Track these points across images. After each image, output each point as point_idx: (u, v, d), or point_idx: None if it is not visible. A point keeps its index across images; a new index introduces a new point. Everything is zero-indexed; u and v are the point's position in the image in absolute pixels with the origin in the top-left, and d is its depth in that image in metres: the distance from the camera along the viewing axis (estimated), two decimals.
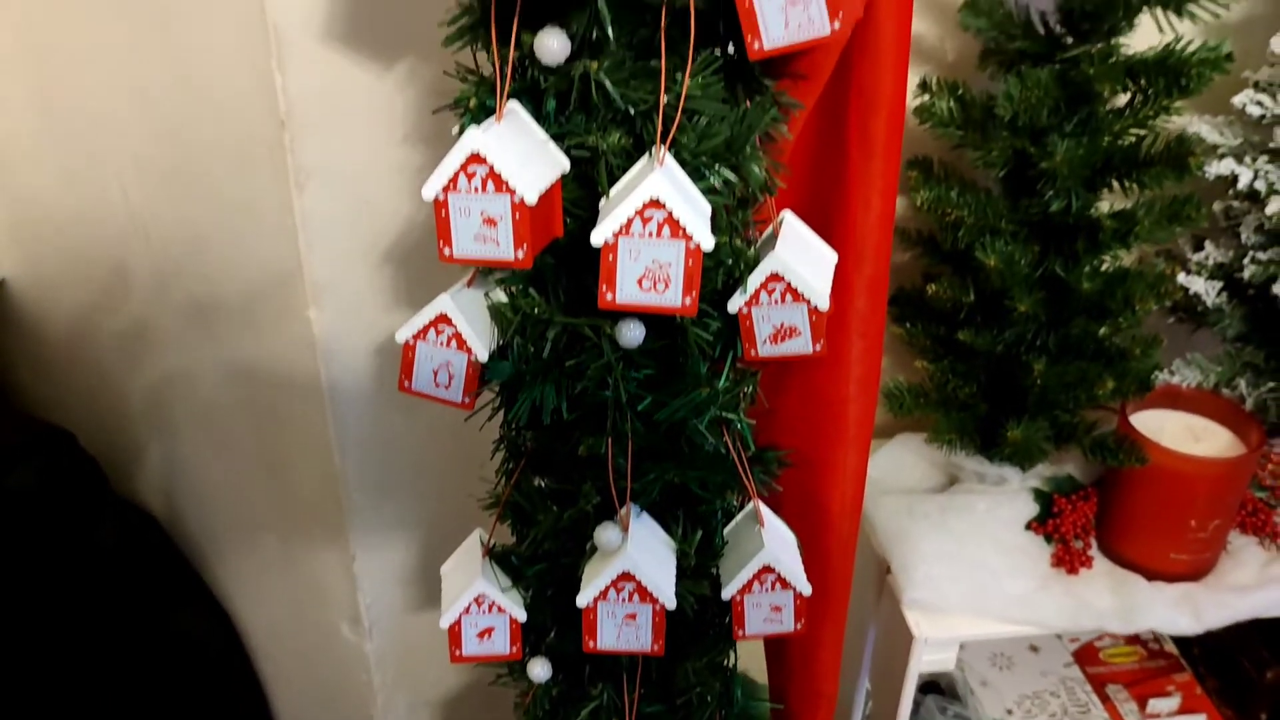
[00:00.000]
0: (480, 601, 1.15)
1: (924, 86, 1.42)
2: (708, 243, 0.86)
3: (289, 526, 1.62)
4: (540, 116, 0.93)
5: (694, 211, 0.88)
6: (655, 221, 0.86)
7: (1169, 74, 1.30)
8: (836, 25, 0.82)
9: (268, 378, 1.45)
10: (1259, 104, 1.42)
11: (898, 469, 1.64)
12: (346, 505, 1.53)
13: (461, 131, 0.93)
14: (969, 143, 1.39)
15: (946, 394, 1.53)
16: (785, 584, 1.12)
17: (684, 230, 0.86)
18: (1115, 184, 1.39)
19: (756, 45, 0.85)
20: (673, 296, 0.88)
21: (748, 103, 0.96)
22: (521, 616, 1.14)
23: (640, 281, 0.88)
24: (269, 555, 1.69)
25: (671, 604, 1.05)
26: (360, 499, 1.54)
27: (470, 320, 1.03)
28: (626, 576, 1.04)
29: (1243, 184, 1.44)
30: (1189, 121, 1.48)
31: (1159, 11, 1.31)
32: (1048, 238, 1.42)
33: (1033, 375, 1.43)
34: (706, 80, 0.89)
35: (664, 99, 0.88)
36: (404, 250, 1.38)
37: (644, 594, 1.05)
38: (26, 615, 1.62)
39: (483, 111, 0.94)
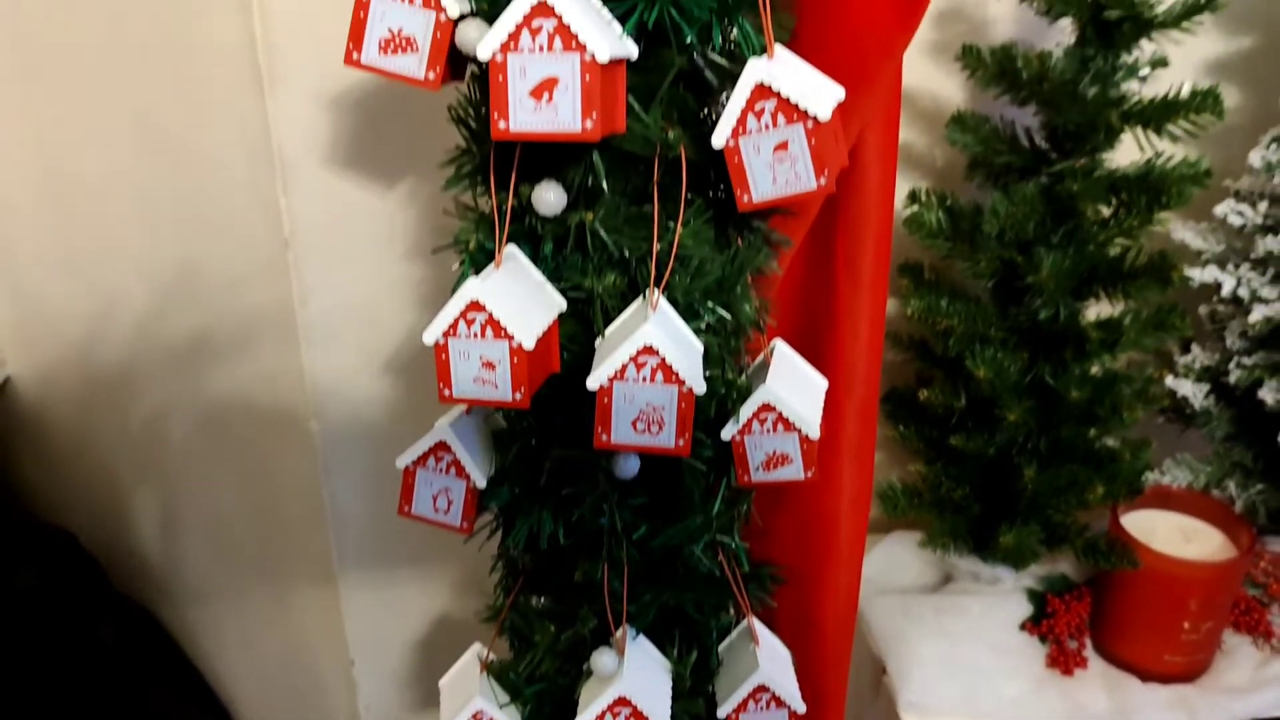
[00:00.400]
0: (478, 718, 1.16)
1: (913, 197, 1.46)
2: (700, 388, 0.89)
3: (288, 628, 1.63)
4: (537, 258, 0.96)
5: (687, 356, 0.90)
6: (649, 367, 0.88)
7: (1150, 190, 1.34)
8: (823, 181, 0.85)
9: (269, 486, 1.47)
10: (1239, 214, 1.46)
11: (893, 566, 1.65)
12: (346, 610, 1.54)
13: (462, 275, 0.96)
14: (958, 254, 1.43)
15: (940, 495, 1.55)
16: (780, 703, 1.13)
17: (677, 375, 0.88)
18: (1101, 293, 1.42)
19: (745, 198, 0.88)
20: (666, 438, 0.91)
21: (739, 241, 0.99)
22: None
23: (634, 424, 0.90)
24: (268, 655, 1.70)
25: None
26: (358, 603, 1.56)
27: (469, 447, 1.05)
28: (622, 701, 1.05)
29: (1226, 291, 1.47)
30: (1173, 228, 1.51)
31: (1139, 130, 1.34)
32: (1036, 345, 1.44)
33: (1024, 479, 1.45)
34: (698, 227, 0.91)
35: (657, 246, 0.91)
36: (404, 359, 1.40)
37: (640, 719, 1.06)
38: (28, 713, 1.62)
39: (481, 253, 0.96)
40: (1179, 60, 1.36)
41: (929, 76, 1.51)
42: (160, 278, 1.44)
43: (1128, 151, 1.38)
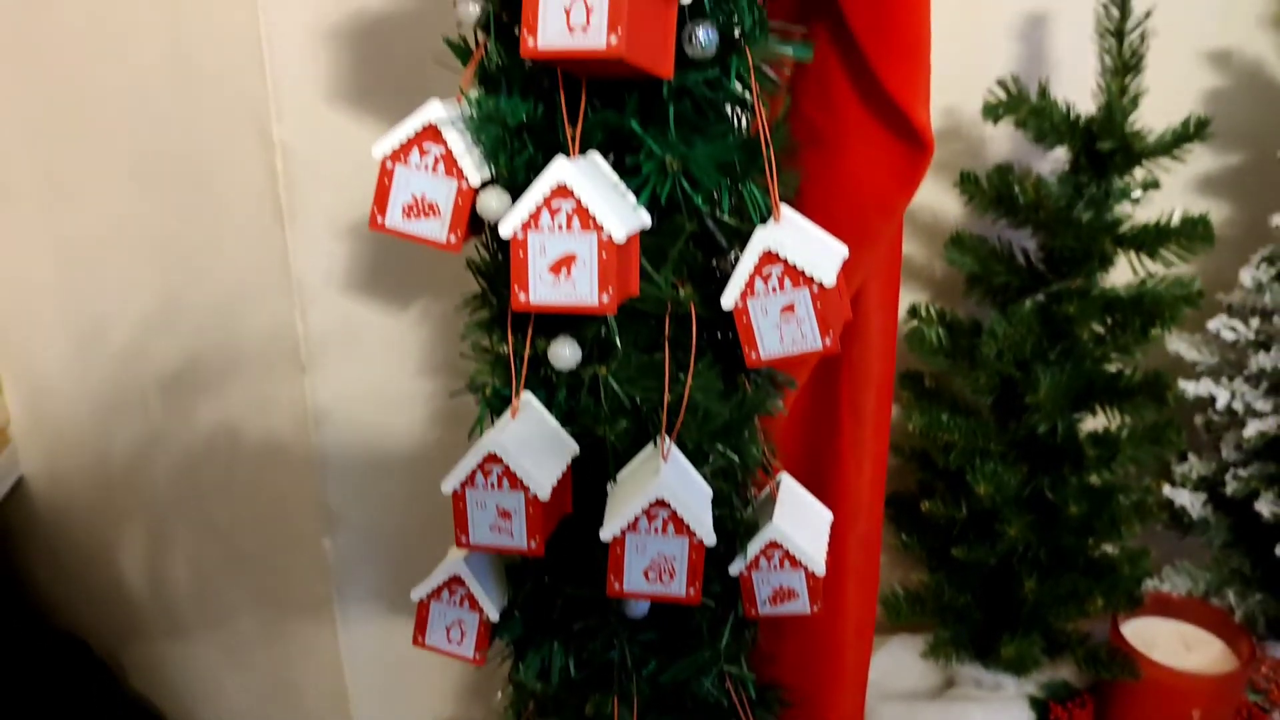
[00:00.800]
0: None
1: (914, 312, 1.49)
2: (710, 540, 0.91)
3: None
4: (551, 403, 0.99)
5: (698, 505, 0.93)
6: (661, 519, 0.91)
7: (1144, 312, 1.37)
8: (828, 341, 0.88)
9: (280, 599, 1.49)
10: (1232, 329, 1.49)
11: (897, 670, 1.66)
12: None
13: (478, 420, 0.99)
14: (958, 370, 1.46)
15: (942, 603, 1.57)
16: None
17: (688, 528, 0.91)
18: (1098, 408, 1.45)
19: (754, 355, 0.91)
20: (677, 587, 0.93)
21: (747, 386, 1.02)
22: None
23: (646, 573, 0.93)
24: None
25: None
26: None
27: (482, 581, 1.07)
28: None
29: (1221, 404, 1.50)
30: (1168, 340, 1.55)
31: (1133, 254, 1.38)
32: (1035, 458, 1.47)
33: (1025, 590, 1.47)
34: (707, 379, 0.95)
35: (668, 397, 0.94)
36: (415, 477, 1.43)
37: None
38: None
39: (498, 398, 0.99)
40: (1170, 176, 1.40)
41: (928, 193, 1.54)
42: (176, 389, 1.47)
43: (1122, 270, 1.42)
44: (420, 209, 0.90)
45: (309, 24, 1.17)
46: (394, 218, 0.91)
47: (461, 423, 1.05)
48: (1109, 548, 1.51)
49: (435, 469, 1.12)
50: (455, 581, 1.07)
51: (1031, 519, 1.44)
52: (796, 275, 0.88)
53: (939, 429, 1.46)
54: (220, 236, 1.29)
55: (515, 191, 0.90)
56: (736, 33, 0.87)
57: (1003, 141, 1.55)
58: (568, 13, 0.76)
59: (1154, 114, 1.37)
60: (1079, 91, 1.41)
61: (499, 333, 0.99)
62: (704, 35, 0.83)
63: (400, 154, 0.90)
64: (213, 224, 1.28)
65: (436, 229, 0.90)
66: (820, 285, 0.88)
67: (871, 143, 0.99)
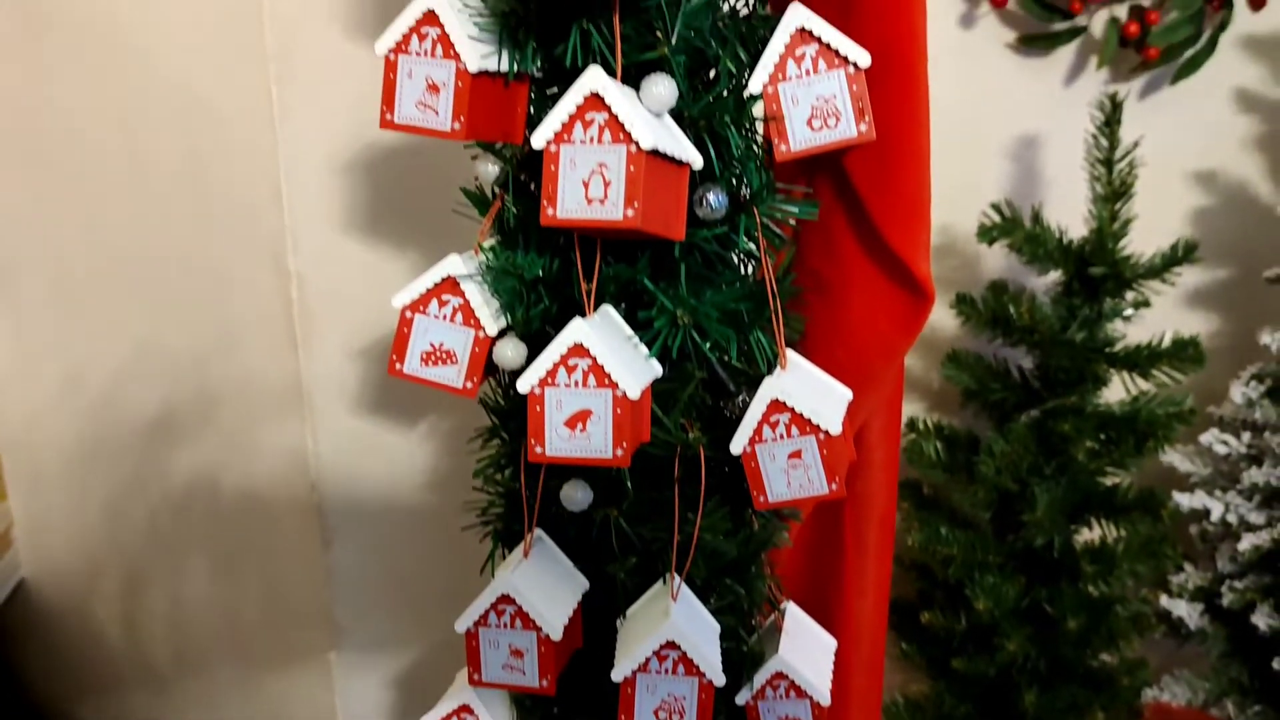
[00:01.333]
0: None
1: (911, 426, 1.52)
2: (719, 680, 0.93)
3: None
4: (562, 541, 1.01)
5: (708, 643, 0.95)
6: (671, 660, 0.93)
7: (1138, 430, 1.40)
8: (834, 486, 0.91)
9: (281, 708, 1.50)
10: (1224, 443, 1.52)
11: None
12: None
13: (490, 554, 1.01)
14: (955, 485, 1.48)
15: (943, 713, 1.57)
16: None
17: (698, 668, 0.93)
18: (1094, 521, 1.47)
19: (761, 499, 0.94)
20: None
21: (754, 521, 1.04)
22: None
23: (656, 713, 0.95)
24: None
25: None
26: None
27: (490, 709, 1.08)
28: None
29: (1215, 517, 1.52)
30: (1161, 451, 1.57)
31: (1126, 375, 1.41)
32: (1033, 570, 1.49)
33: (1025, 702, 1.48)
34: (715, 520, 0.97)
35: (677, 538, 0.96)
36: (424, 592, 1.44)
37: None
38: None
39: (509, 533, 1.02)
40: (1163, 292, 1.44)
41: None
42: (186, 506, 1.48)
43: (1115, 384, 1.45)
44: (438, 357, 0.93)
45: (327, 158, 1.21)
46: (413, 364, 0.94)
47: (467, 540, 1.07)
48: (1108, 658, 1.52)
49: (442, 584, 1.14)
50: (464, 710, 1.08)
51: (1030, 631, 1.45)
52: (804, 423, 0.91)
53: (938, 543, 1.48)
54: (234, 360, 1.32)
55: (531, 341, 0.93)
56: (745, 193, 0.90)
57: (996, 256, 1.59)
58: (586, 185, 0.80)
59: (1142, 232, 1.41)
60: (1070, 210, 1.45)
61: (511, 470, 1.01)
62: (714, 199, 0.87)
63: (420, 304, 0.93)
64: (227, 348, 1.31)
65: (453, 376, 0.93)
66: (827, 433, 0.90)
67: (874, 292, 1.02)
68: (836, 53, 0.87)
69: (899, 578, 1.63)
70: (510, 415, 1.02)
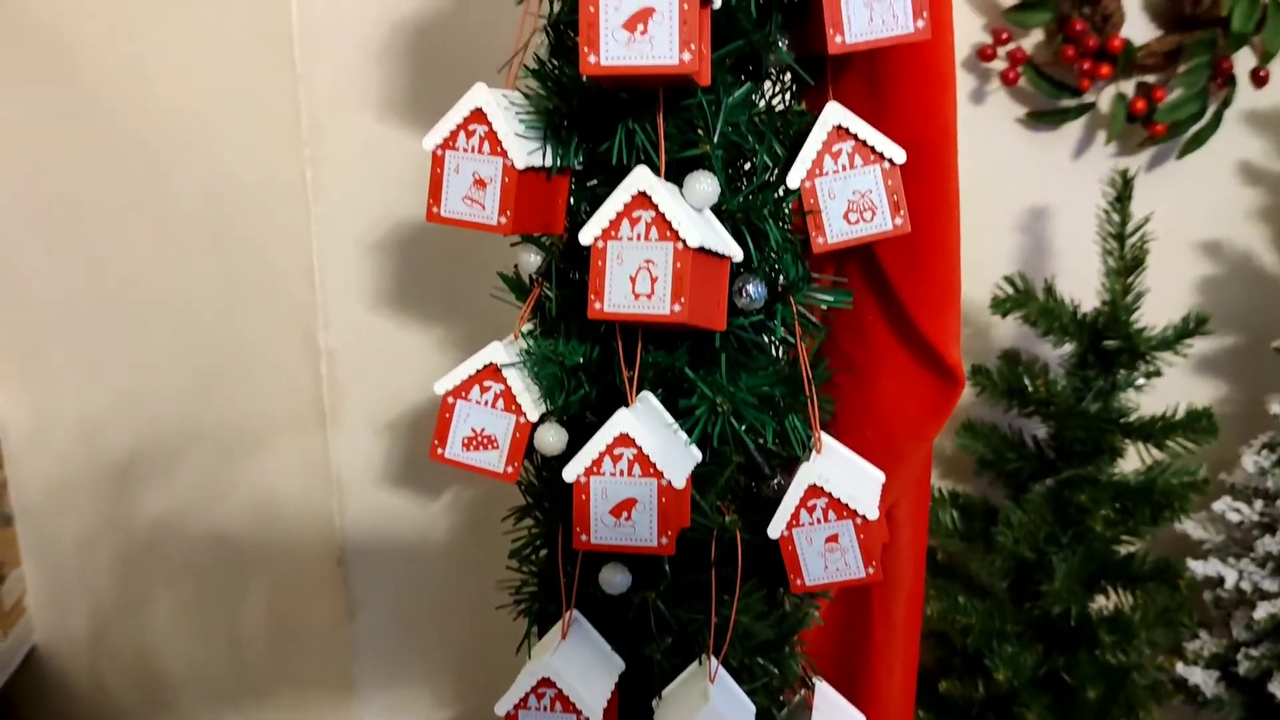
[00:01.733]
0: None
1: None
2: None
3: None
4: (598, 622, 1.02)
5: None
6: None
7: (1154, 502, 1.42)
8: (871, 570, 0.92)
9: None
10: (1237, 511, 1.53)
11: None
12: None
13: (526, 635, 1.02)
14: (973, 554, 1.49)
15: None
16: None
17: None
18: (1110, 590, 1.48)
19: (799, 582, 0.96)
20: None
21: (786, 602, 1.05)
22: None
23: None
24: None
25: None
26: None
27: None
28: None
29: (1229, 585, 1.53)
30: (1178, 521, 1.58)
31: (1141, 446, 1.43)
32: (1051, 638, 1.50)
33: None
34: (752, 603, 0.98)
35: (714, 620, 0.97)
36: (448, 665, 1.44)
37: None
38: None
39: (544, 615, 1.02)
40: (1173, 360, 1.46)
41: None
42: (211, 577, 1.49)
43: (1129, 455, 1.47)
44: (480, 442, 0.94)
45: (359, 236, 1.23)
46: (454, 449, 0.95)
47: (497, 620, 1.07)
48: None
49: (466, 657, 1.14)
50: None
51: (1049, 700, 1.46)
52: (841, 508, 0.92)
53: (957, 612, 1.49)
54: (262, 433, 1.33)
55: (570, 425, 0.94)
56: (782, 283, 0.92)
57: (1007, 324, 1.61)
58: (633, 281, 0.82)
59: (1151, 301, 1.43)
60: (1080, 280, 1.48)
61: (547, 551, 1.02)
62: (754, 290, 0.89)
63: (462, 390, 0.94)
64: (256, 422, 1.32)
65: (495, 461, 0.94)
66: (864, 518, 0.92)
67: (905, 376, 1.04)
68: (872, 149, 0.89)
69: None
70: (544, 495, 1.03)
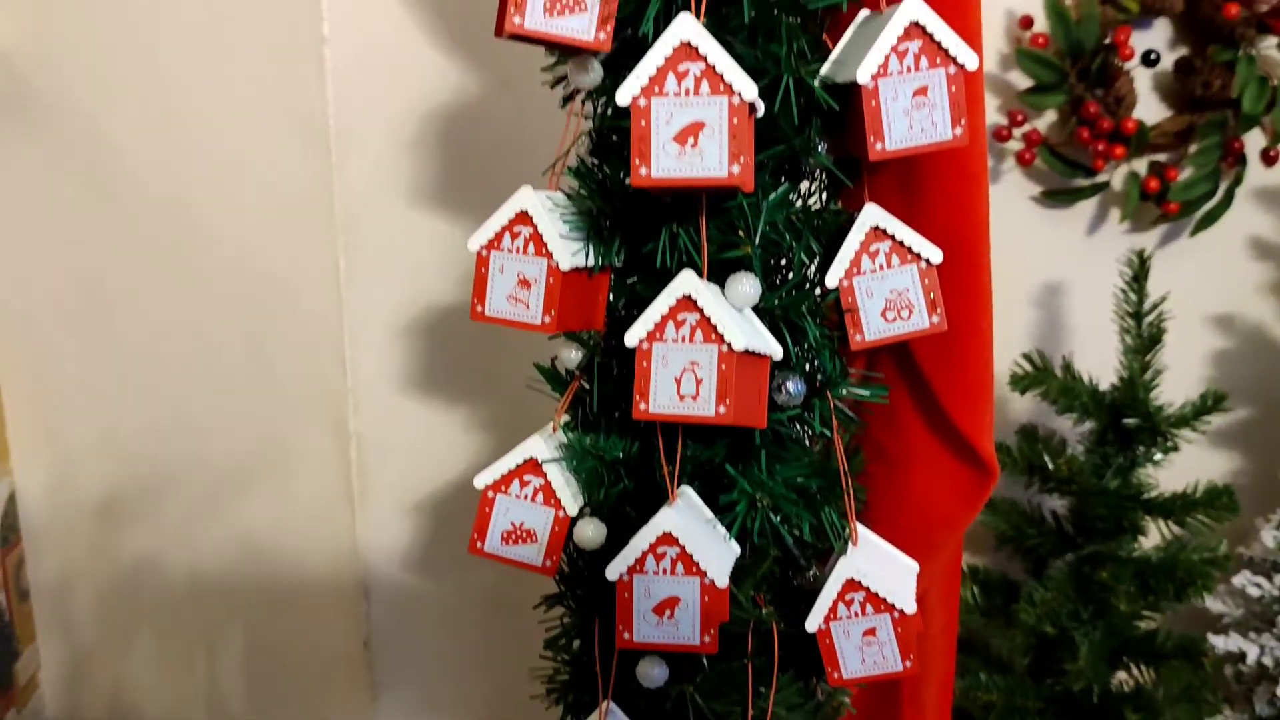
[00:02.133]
0: None
1: None
2: None
3: None
4: (635, 714, 1.02)
5: None
6: None
7: (1176, 580, 1.42)
8: (908, 664, 0.93)
9: None
10: (1257, 585, 1.54)
11: None
12: None
13: None
14: (994, 629, 1.49)
15: None
16: None
17: None
18: (1133, 666, 1.48)
19: (835, 675, 0.96)
20: None
21: (819, 692, 1.06)
22: None
23: None
24: None
25: None
26: None
27: None
28: None
29: (1251, 660, 1.53)
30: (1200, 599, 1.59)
31: (1161, 523, 1.44)
32: (1074, 715, 1.50)
33: None
34: (789, 695, 0.98)
35: (751, 713, 0.97)
36: None
37: None
38: None
39: (578, 706, 1.02)
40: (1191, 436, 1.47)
41: None
42: (229, 659, 1.48)
43: (1150, 532, 1.47)
44: (519, 536, 0.95)
45: (390, 323, 1.24)
46: (493, 543, 0.96)
47: (527, 709, 1.07)
48: None
49: None
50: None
51: None
52: (879, 602, 0.93)
53: (979, 689, 1.48)
54: (291, 518, 1.34)
55: (609, 520, 0.95)
56: (819, 379, 0.94)
57: (1025, 400, 1.63)
58: (678, 382, 0.83)
59: (1167, 375, 1.44)
60: (1096, 355, 1.50)
61: (582, 643, 1.02)
62: (793, 387, 0.90)
63: (501, 484, 0.95)
64: (285, 508, 1.33)
65: (534, 555, 0.95)
66: (902, 612, 0.92)
67: (938, 467, 1.05)
68: (909, 249, 0.91)
69: None
70: (577, 583, 1.04)
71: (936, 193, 0.97)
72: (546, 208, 0.89)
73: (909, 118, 0.84)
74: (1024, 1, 1.50)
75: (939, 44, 0.83)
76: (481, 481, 0.95)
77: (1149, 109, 1.55)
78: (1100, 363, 1.49)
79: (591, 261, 0.91)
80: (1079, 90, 1.50)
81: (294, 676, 1.41)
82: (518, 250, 0.89)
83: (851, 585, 0.94)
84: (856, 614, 0.94)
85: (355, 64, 1.26)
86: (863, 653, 0.95)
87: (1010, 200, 1.59)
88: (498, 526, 0.96)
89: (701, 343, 0.83)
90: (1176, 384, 1.45)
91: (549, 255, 0.88)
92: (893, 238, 0.91)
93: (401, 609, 1.35)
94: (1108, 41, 1.49)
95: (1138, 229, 1.59)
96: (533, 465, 0.94)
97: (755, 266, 0.89)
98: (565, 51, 0.89)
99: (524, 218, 0.89)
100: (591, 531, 0.94)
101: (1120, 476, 1.44)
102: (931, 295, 0.92)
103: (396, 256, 1.26)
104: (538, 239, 0.88)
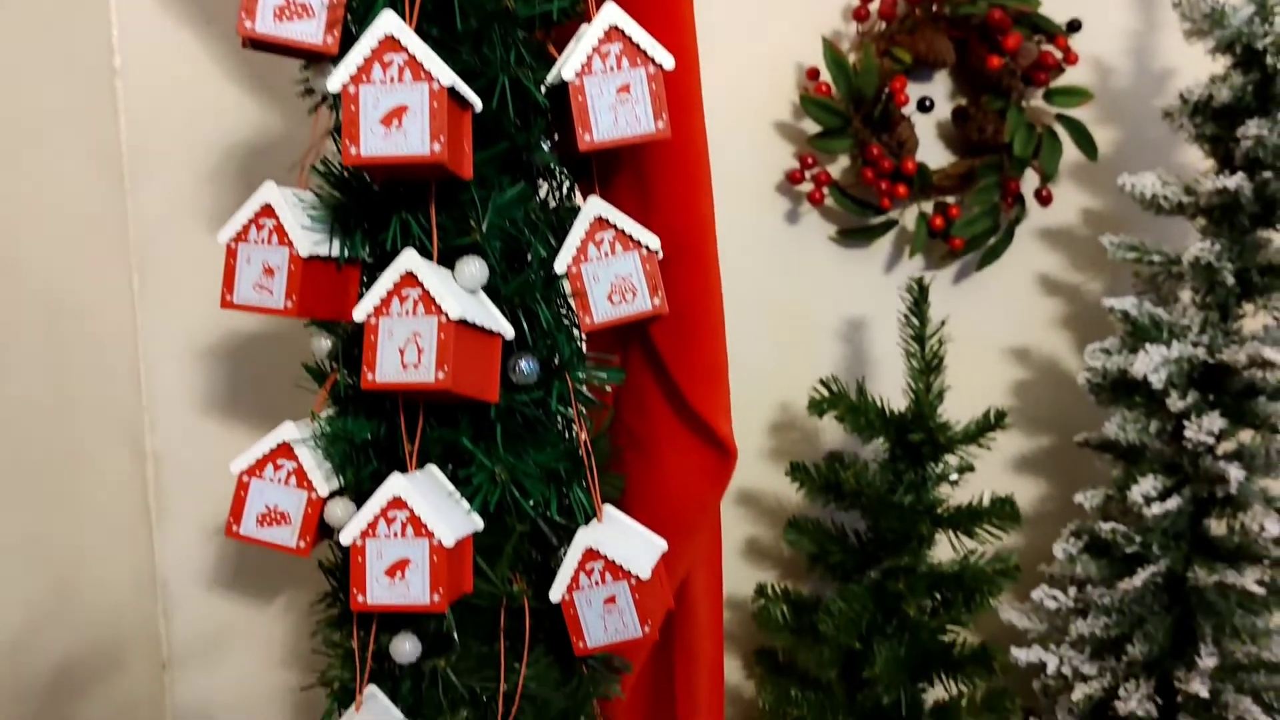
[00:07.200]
0: None
1: (760, 592, 1.59)
2: None
3: None
4: (396, 696, 1.05)
5: None
6: None
7: (966, 588, 1.49)
8: (647, 629, 0.97)
9: None
10: (1053, 598, 1.61)
11: None
12: None
13: (327, 714, 1.04)
14: (802, 646, 1.54)
15: None
16: None
17: None
18: (936, 679, 1.54)
19: (581, 645, 1.00)
20: None
21: (584, 670, 1.10)
22: None
23: None
24: None
25: None
26: None
27: None
28: None
29: (1051, 670, 1.60)
30: (1000, 609, 1.66)
31: (951, 534, 1.52)
32: None
33: None
34: (541, 670, 1.02)
35: (504, 687, 1.01)
36: None
37: None
38: None
39: (345, 693, 1.05)
40: (989, 458, 1.56)
41: (771, 480, 1.68)
42: (26, 686, 1.46)
43: (951, 550, 1.54)
44: (273, 518, 0.99)
45: (186, 342, 1.29)
46: (249, 526, 1.00)
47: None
48: None
49: None
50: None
51: None
52: (616, 570, 0.98)
53: (788, 704, 1.52)
54: (87, 539, 1.35)
55: (361, 501, 0.99)
56: (556, 361, 1.00)
57: (835, 431, 1.71)
58: (402, 353, 0.89)
59: (968, 405, 1.53)
60: (896, 385, 1.58)
61: (347, 629, 1.06)
62: (526, 366, 0.96)
63: (256, 469, 0.99)
64: (81, 528, 1.34)
65: (287, 536, 0.99)
66: (638, 578, 0.98)
67: (684, 450, 1.12)
68: (630, 237, 0.99)
69: None
70: (346, 576, 1.07)
71: (663, 193, 1.05)
72: (290, 202, 0.96)
73: (614, 112, 0.93)
74: (813, 55, 1.62)
75: (638, 46, 0.93)
76: (237, 466, 0.99)
77: (935, 154, 1.67)
78: (899, 390, 1.58)
79: (336, 252, 0.97)
80: (863, 134, 1.62)
81: (86, 688, 1.40)
82: (263, 241, 0.96)
83: (590, 554, 0.99)
84: (597, 583, 0.99)
85: (148, 94, 1.32)
86: (604, 621, 1.00)
87: (811, 243, 1.70)
88: (253, 510, 1.00)
89: (423, 315, 0.89)
90: (978, 412, 1.53)
91: (290, 244, 0.95)
92: (615, 227, 0.99)
93: (204, 631, 1.36)
94: (888, 91, 1.61)
95: (930, 265, 1.71)
96: (285, 449, 0.99)
97: (489, 254, 0.96)
98: (309, 59, 0.97)
99: (268, 210, 0.95)
100: (341, 511, 0.98)
101: (913, 492, 1.52)
102: (653, 280, 0.99)
103: (192, 278, 1.31)
104: (280, 230, 0.95)
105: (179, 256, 1.32)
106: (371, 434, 0.99)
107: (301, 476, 0.99)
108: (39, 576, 1.40)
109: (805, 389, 1.60)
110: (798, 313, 1.67)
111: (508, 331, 0.95)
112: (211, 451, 1.30)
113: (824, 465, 1.55)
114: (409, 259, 0.90)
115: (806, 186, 1.65)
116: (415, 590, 0.92)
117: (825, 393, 1.55)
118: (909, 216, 1.68)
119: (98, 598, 1.35)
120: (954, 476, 1.54)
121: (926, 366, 1.52)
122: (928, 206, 1.68)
